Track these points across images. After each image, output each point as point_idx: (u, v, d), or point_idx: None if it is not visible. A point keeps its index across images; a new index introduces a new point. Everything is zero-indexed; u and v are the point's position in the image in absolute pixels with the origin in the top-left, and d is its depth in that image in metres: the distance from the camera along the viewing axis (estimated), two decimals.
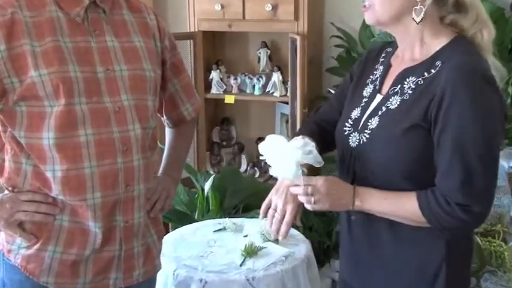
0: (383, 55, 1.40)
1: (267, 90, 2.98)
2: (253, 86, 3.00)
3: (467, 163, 1.16)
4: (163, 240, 1.49)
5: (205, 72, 3.02)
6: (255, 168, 3.10)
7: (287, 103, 2.91)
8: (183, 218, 2.45)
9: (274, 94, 2.94)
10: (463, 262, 1.33)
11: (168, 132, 1.60)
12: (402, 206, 1.23)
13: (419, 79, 1.24)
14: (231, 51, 3.19)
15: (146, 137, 1.36)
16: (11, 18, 1.21)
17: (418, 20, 1.23)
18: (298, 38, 2.64)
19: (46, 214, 1.28)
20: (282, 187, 1.31)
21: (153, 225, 1.42)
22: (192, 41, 2.88)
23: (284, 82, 2.92)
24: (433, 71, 1.23)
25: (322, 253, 2.71)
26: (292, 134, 1.29)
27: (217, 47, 3.17)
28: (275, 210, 1.31)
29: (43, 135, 1.24)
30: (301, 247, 1.92)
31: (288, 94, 2.86)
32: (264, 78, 2.98)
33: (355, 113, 1.35)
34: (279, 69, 2.91)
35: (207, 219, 2.28)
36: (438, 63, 1.22)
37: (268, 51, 3.04)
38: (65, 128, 1.25)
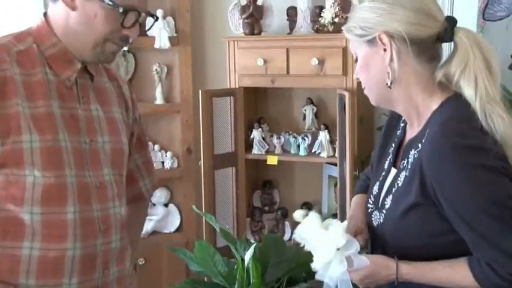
0: (403, 119, 1.42)
1: (313, 150, 2.96)
2: (298, 146, 2.99)
3: (490, 235, 1.17)
4: None
5: (246, 131, 3.05)
6: None
7: (335, 164, 2.88)
8: None
9: (321, 155, 2.92)
10: None
11: None
12: (451, 279, 1.24)
13: (416, 152, 1.27)
14: (274, 109, 3.22)
15: (122, 215, 1.38)
16: (4, 75, 1.21)
17: (388, 82, 1.26)
18: (346, 94, 2.64)
19: None
20: None
21: None
22: (232, 97, 2.92)
23: (332, 142, 2.91)
24: (423, 141, 1.24)
25: None
26: (351, 194, 1.39)
27: (259, 104, 3.21)
28: None
29: (24, 209, 1.21)
30: None
31: (336, 155, 2.83)
32: (309, 137, 2.98)
33: (375, 189, 1.41)
34: (326, 127, 2.91)
35: None
36: (428, 131, 1.24)
37: (314, 109, 3.05)
38: (53, 203, 1.23)
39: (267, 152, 3.03)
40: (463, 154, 1.17)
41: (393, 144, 1.43)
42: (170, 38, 3.02)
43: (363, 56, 1.30)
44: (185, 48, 3.10)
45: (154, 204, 3.26)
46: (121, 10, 1.25)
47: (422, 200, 1.22)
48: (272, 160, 2.98)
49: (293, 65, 2.79)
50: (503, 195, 1.17)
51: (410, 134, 1.34)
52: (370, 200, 1.43)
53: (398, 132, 1.43)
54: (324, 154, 2.91)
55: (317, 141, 2.94)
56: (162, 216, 3.23)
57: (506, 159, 1.21)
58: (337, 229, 1.29)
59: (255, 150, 3.03)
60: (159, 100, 3.14)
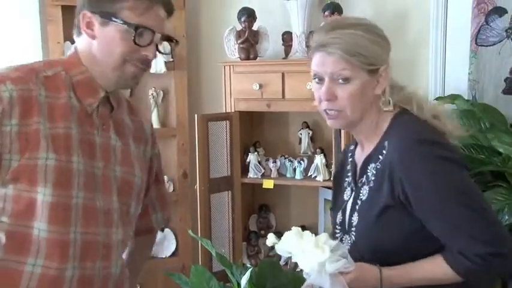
0: (349, 155, 1.57)
1: (309, 174, 2.97)
2: (294, 170, 3.01)
3: (457, 223, 1.28)
4: None
5: (242, 155, 3.06)
6: None
7: (331, 188, 2.89)
8: None
9: (317, 178, 2.93)
10: None
11: None
12: (432, 275, 1.34)
13: (377, 164, 1.39)
14: (270, 133, 3.24)
15: (125, 243, 1.41)
16: (29, 95, 1.27)
17: (391, 108, 1.41)
18: None
19: None
20: None
21: None
22: (228, 122, 2.94)
23: (328, 165, 2.92)
24: (384, 152, 1.37)
25: None
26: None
27: (255, 128, 3.23)
28: None
29: (34, 224, 1.25)
30: None
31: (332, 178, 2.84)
32: (305, 161, 3.00)
33: (339, 217, 1.52)
34: (322, 151, 2.92)
35: None
36: (386, 143, 1.38)
37: (310, 132, 3.07)
38: (58, 222, 1.26)
39: (263, 175, 3.04)
40: (428, 148, 1.31)
41: (348, 178, 1.54)
42: (166, 63, 3.05)
43: (360, 83, 1.37)
44: (181, 72, 3.12)
45: None
46: (133, 28, 1.30)
47: (391, 202, 1.33)
48: (268, 184, 2.99)
49: (289, 89, 2.81)
50: (467, 184, 1.32)
51: (365, 153, 1.45)
52: (336, 230, 1.52)
53: (348, 167, 1.55)
54: (319, 178, 2.92)
55: (313, 164, 2.95)
56: (157, 240, 3.21)
57: (461, 157, 1.37)
58: (325, 234, 1.37)
59: (251, 174, 3.04)
60: (155, 124, 3.14)
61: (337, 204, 1.57)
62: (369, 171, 1.42)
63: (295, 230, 1.40)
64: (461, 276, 1.32)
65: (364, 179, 1.43)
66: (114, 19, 1.31)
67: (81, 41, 1.37)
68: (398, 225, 1.34)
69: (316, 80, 1.40)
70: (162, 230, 3.25)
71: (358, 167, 1.49)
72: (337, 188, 1.59)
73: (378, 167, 1.38)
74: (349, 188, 1.52)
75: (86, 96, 1.34)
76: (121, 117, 1.44)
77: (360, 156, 1.50)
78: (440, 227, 1.31)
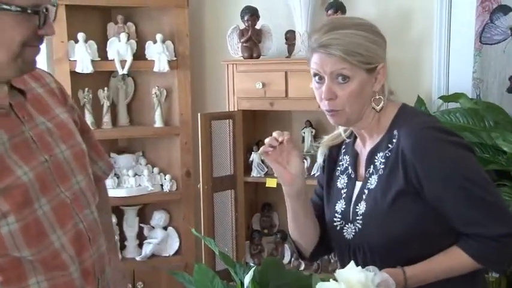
0: (343, 147, 1.59)
1: (312, 173, 2.96)
2: None
3: (473, 206, 1.32)
4: None
5: (245, 154, 3.05)
6: (300, 259, 3.02)
7: None
8: None
9: None
10: None
11: None
12: (452, 266, 1.37)
13: (386, 152, 1.41)
14: (273, 131, 3.21)
15: (97, 218, 1.38)
16: None
17: (379, 108, 1.43)
18: None
19: None
20: None
21: None
22: (231, 120, 2.93)
23: None
24: (394, 140, 1.40)
25: None
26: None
27: (258, 127, 3.22)
28: None
29: (17, 254, 1.17)
30: None
31: None
32: (308, 159, 2.98)
33: (340, 206, 1.51)
34: None
35: None
36: (395, 132, 1.41)
37: (313, 131, 3.07)
38: (38, 242, 1.19)
39: (266, 174, 3.04)
40: (438, 135, 1.37)
41: (340, 167, 1.55)
42: (169, 62, 3.04)
43: (359, 82, 1.39)
44: (184, 71, 3.12)
45: (153, 228, 3.25)
46: (30, 11, 1.14)
47: (405, 187, 1.36)
48: (271, 183, 2.98)
49: (292, 88, 2.81)
50: (477, 168, 1.37)
51: (370, 144, 1.47)
52: (335, 219, 1.50)
53: (341, 157, 1.57)
54: None
55: (316, 163, 2.94)
56: (161, 239, 3.22)
57: (465, 141, 1.43)
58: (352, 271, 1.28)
59: (254, 173, 3.04)
60: (158, 123, 3.15)
61: (331, 194, 1.57)
62: (376, 160, 1.43)
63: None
64: (479, 262, 1.35)
65: (371, 169, 1.45)
66: (5, 6, 1.12)
67: None
68: (411, 211, 1.36)
69: (317, 79, 1.43)
70: (165, 229, 3.25)
71: (360, 157, 1.50)
72: (328, 179, 1.60)
73: (387, 155, 1.41)
74: (344, 176, 1.53)
75: None
76: (35, 93, 1.31)
77: (361, 147, 1.51)
78: (453, 212, 1.34)
